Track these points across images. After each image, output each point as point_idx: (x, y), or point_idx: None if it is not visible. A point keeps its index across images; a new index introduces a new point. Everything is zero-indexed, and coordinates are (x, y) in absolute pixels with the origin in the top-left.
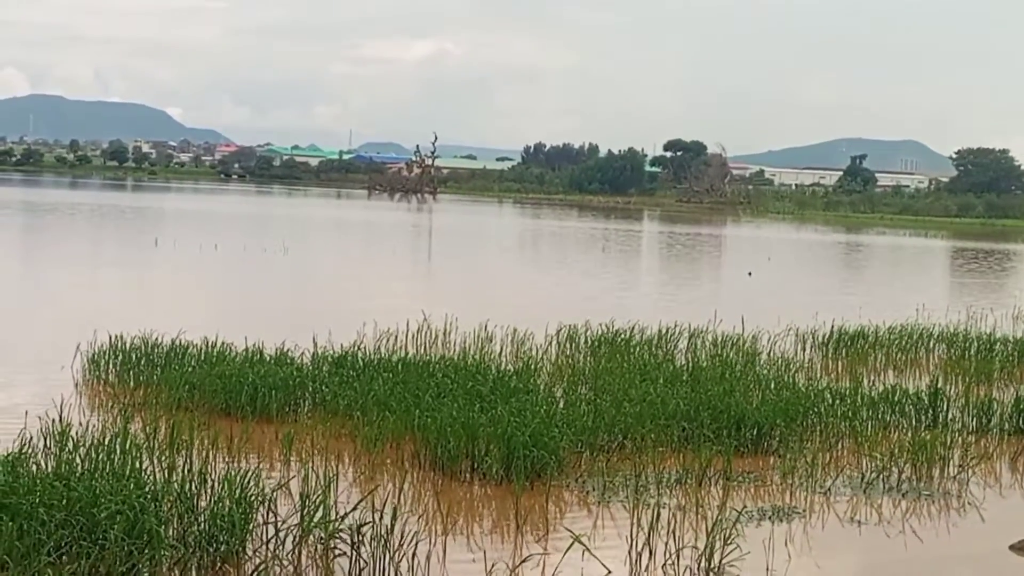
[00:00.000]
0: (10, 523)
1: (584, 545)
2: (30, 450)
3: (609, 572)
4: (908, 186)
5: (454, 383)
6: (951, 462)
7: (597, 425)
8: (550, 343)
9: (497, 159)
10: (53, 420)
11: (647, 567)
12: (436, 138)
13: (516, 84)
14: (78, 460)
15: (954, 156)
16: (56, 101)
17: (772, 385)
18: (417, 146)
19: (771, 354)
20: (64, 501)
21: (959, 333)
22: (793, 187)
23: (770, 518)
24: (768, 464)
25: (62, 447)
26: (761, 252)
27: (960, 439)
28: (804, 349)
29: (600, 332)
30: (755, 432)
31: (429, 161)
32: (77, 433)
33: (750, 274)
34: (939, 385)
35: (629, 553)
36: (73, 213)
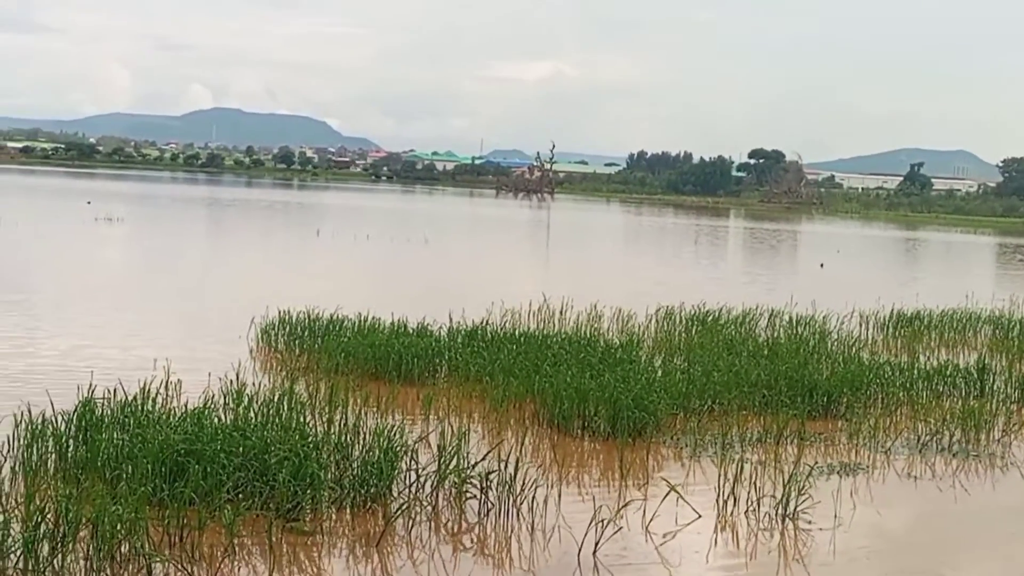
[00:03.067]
0: (196, 466)
1: (678, 493)
2: (212, 405)
3: (699, 516)
4: (960, 190)
5: (568, 354)
6: (996, 427)
7: (690, 391)
8: (650, 321)
9: (605, 164)
10: (231, 380)
11: (732, 513)
12: (554, 146)
13: (622, 98)
14: (252, 414)
15: (1001, 164)
16: (235, 113)
17: (840, 359)
18: (538, 153)
19: (839, 333)
20: (241, 448)
21: (1004, 316)
22: (859, 190)
23: (838, 472)
24: (836, 427)
25: (238, 403)
26: (831, 246)
27: (1004, 408)
28: (867, 328)
29: (693, 312)
30: (825, 399)
31: (548, 165)
32: (251, 392)
33: (822, 265)
34: (986, 361)
35: (716, 500)
36: (248, 208)
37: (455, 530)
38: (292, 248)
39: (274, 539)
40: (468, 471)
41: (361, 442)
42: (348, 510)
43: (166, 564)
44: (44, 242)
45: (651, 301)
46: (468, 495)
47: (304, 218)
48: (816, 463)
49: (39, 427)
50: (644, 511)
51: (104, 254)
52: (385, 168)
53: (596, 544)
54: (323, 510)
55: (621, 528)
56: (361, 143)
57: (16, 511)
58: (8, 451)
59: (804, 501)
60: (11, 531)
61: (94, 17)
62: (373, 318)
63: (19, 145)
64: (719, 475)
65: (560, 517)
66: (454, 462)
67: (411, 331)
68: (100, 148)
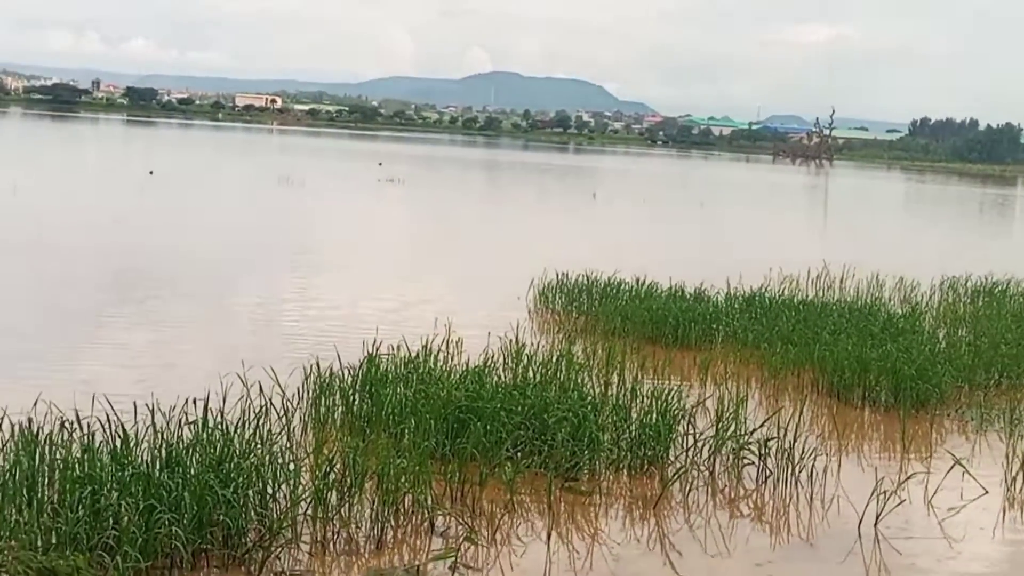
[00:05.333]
0: (477, 423)
1: (964, 467)
2: (492, 364)
3: (986, 492)
4: None
5: (848, 322)
6: None
7: (976, 364)
8: (933, 291)
9: (886, 131)
10: (511, 340)
11: (1021, 490)
12: (833, 111)
13: (905, 63)
14: (531, 374)
15: None
16: (513, 77)
17: None
18: (816, 118)
19: None
20: (520, 407)
21: None
22: None
23: None
24: None
25: (518, 363)
26: None
27: None
28: None
29: (979, 283)
30: None
31: (827, 132)
32: (530, 352)
33: None
34: None
35: (1004, 477)
36: (525, 171)
37: (732, 496)
38: (568, 211)
39: (552, 498)
40: (746, 437)
41: (638, 405)
42: (625, 472)
43: (447, 517)
44: (330, 202)
45: (934, 271)
46: (745, 461)
47: (580, 182)
48: None
49: (327, 381)
50: (927, 484)
51: (386, 215)
52: (661, 133)
53: (877, 516)
54: (600, 471)
55: (903, 501)
56: (637, 107)
57: (306, 461)
58: (298, 403)
59: None
60: (302, 480)
61: None
62: (650, 282)
63: (305, 108)
64: (1007, 451)
65: (839, 487)
66: (732, 428)
67: (688, 296)
68: (382, 111)
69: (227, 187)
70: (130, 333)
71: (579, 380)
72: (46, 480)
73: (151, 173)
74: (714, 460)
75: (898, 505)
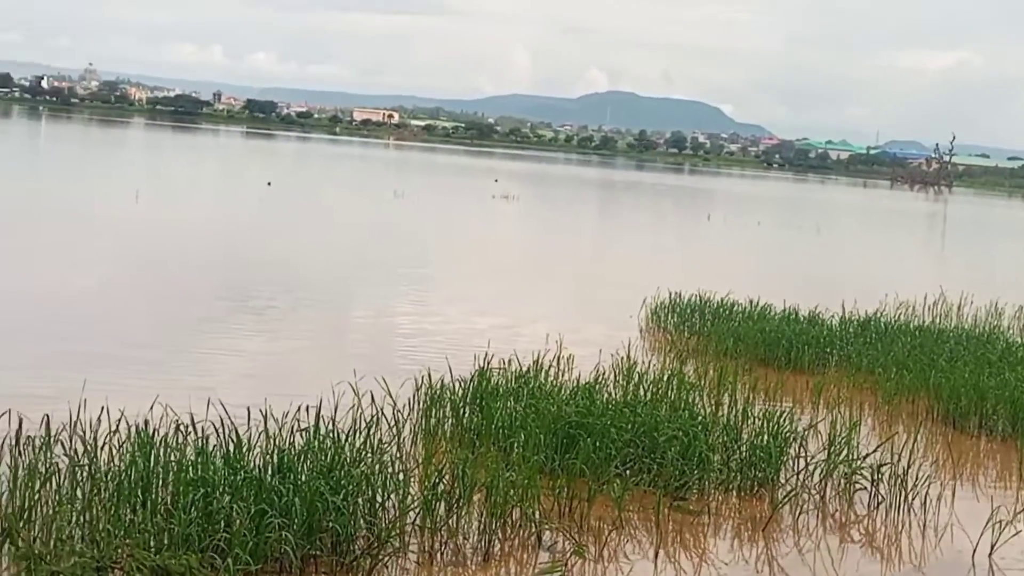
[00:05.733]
0: (587, 439)
1: None
2: (603, 381)
3: None
4: None
5: (965, 350)
6: None
7: None
8: None
9: (1008, 158)
10: (622, 358)
11: None
12: (954, 137)
13: None
14: (641, 392)
15: None
16: (629, 96)
17: None
18: (936, 144)
19: None
20: (630, 425)
21: None
22: None
23: None
24: None
25: (628, 380)
26: None
27: None
28: None
29: None
30: None
31: (946, 158)
32: (640, 370)
33: None
34: None
35: None
36: (639, 191)
37: (843, 521)
38: (682, 232)
39: (661, 516)
40: (859, 462)
41: (749, 426)
42: (734, 493)
43: (555, 532)
44: (444, 218)
45: None
46: (857, 487)
47: (694, 202)
48: None
49: (438, 392)
50: None
51: (500, 231)
52: (777, 156)
53: (992, 546)
54: (710, 491)
55: (1019, 532)
56: (754, 130)
57: (415, 471)
58: (408, 414)
59: None
60: (411, 490)
61: (501, 1)
62: (764, 304)
63: (422, 123)
64: None
65: (953, 516)
66: (844, 452)
67: (802, 319)
68: (498, 128)
69: (343, 200)
70: (246, 341)
71: (690, 399)
72: (160, 481)
73: (269, 184)
74: (825, 484)
75: (1014, 536)
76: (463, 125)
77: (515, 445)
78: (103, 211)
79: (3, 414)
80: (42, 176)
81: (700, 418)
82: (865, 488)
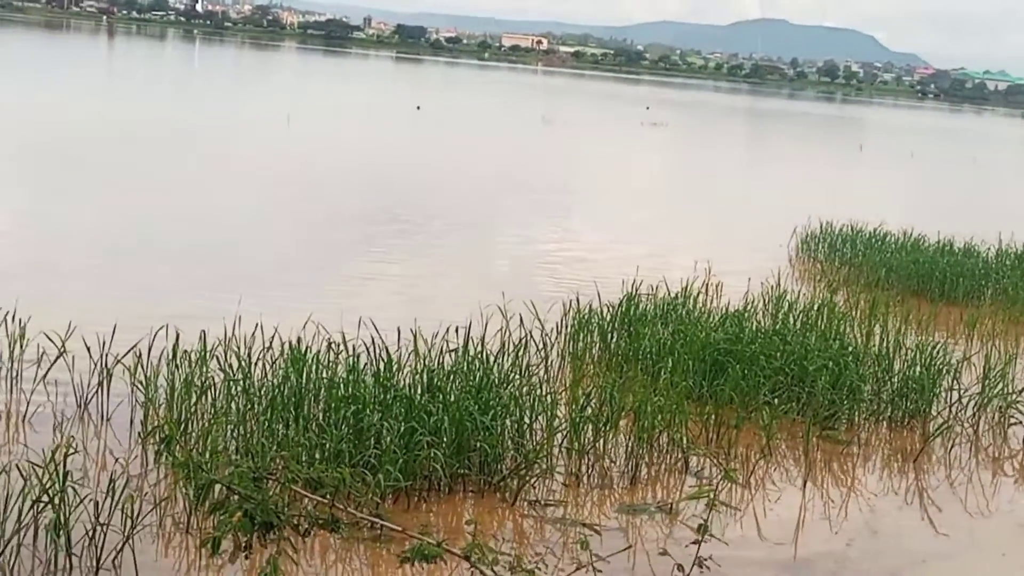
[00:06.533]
0: (735, 366)
1: None
2: (752, 309)
3: None
4: None
5: None
6: None
7: None
8: None
9: None
10: (772, 287)
11: None
12: None
13: None
14: (791, 320)
15: None
16: (781, 24)
17: None
18: None
19: None
20: (779, 353)
21: None
22: None
23: None
24: None
25: (778, 309)
26: None
27: None
28: None
29: None
30: None
31: None
32: (790, 299)
33: None
34: None
35: None
36: (789, 119)
37: (996, 455)
38: (833, 161)
39: (809, 445)
40: (1014, 396)
41: (901, 357)
42: (885, 424)
43: (702, 458)
44: (593, 144)
45: None
46: (1012, 421)
47: (846, 132)
48: None
49: (585, 317)
50: None
51: (649, 159)
52: (932, 86)
53: None
54: (860, 422)
55: None
56: (908, 59)
57: (563, 394)
58: (556, 338)
59: None
60: (558, 412)
61: None
62: (917, 234)
63: (570, 50)
64: None
65: None
66: (999, 386)
67: (956, 250)
68: (647, 55)
69: (492, 125)
70: (395, 263)
71: (840, 329)
72: (312, 398)
73: (418, 109)
74: (978, 418)
75: None
76: (611, 52)
77: (663, 370)
78: (255, 135)
79: (161, 328)
80: (196, 100)
81: (851, 348)
82: (1020, 423)
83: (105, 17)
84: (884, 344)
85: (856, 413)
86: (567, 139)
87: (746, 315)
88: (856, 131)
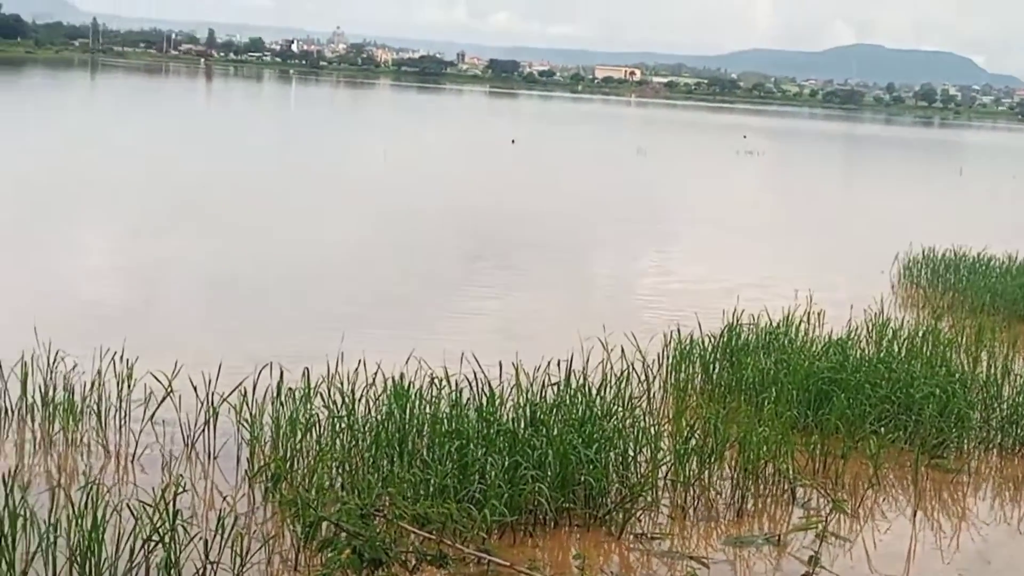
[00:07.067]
0: (840, 395)
1: None
2: (855, 337)
3: None
4: None
5: None
6: None
7: None
8: None
9: None
10: (875, 314)
11: None
12: None
13: None
14: (895, 348)
15: None
16: (876, 49)
17: None
18: None
19: None
20: (884, 381)
21: None
22: None
23: None
24: None
25: (881, 336)
26: None
27: None
28: None
29: None
30: None
31: None
32: (894, 326)
33: None
34: None
35: None
36: (886, 144)
37: None
38: (933, 185)
39: (918, 474)
40: None
41: (1010, 384)
42: (995, 451)
43: (808, 489)
44: (688, 174)
45: None
46: None
47: (945, 156)
48: None
49: (687, 348)
50: None
51: (744, 187)
52: None
53: None
54: (969, 450)
55: None
56: (1008, 81)
57: (666, 426)
58: (657, 369)
59: None
60: (662, 444)
61: None
62: (1023, 259)
63: (664, 80)
64: None
65: None
66: None
67: None
68: (740, 83)
69: (587, 157)
70: (494, 297)
71: (946, 356)
72: (416, 433)
73: (513, 142)
74: None
75: None
76: (705, 81)
77: (766, 400)
78: (353, 172)
79: (265, 367)
80: (292, 140)
81: (957, 375)
82: None
83: (203, 60)
84: (992, 370)
85: (965, 441)
86: (663, 169)
87: (849, 343)
88: (955, 155)
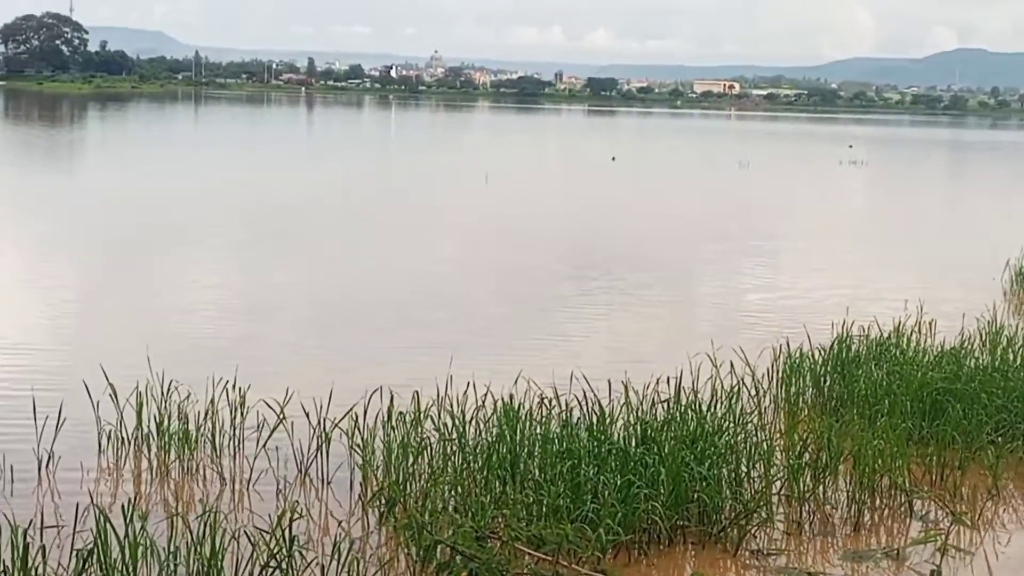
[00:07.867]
0: (955, 405)
1: None
2: (969, 346)
3: None
4: None
5: None
6: None
7: None
8: None
9: None
10: (987, 322)
11: None
12: None
13: None
14: (1010, 356)
15: None
16: (979, 53)
17: None
18: None
19: None
20: (1001, 390)
21: None
22: None
23: None
24: None
25: (995, 345)
26: None
27: None
28: None
29: None
30: None
31: None
32: (1008, 334)
33: None
34: None
35: None
36: (993, 150)
37: None
38: None
39: None
40: None
41: None
42: None
43: (926, 502)
44: (791, 186)
45: None
46: None
47: None
48: None
49: (796, 362)
50: None
51: (849, 198)
52: None
53: None
54: None
55: None
56: None
57: (778, 441)
58: (768, 384)
59: None
60: (775, 459)
61: None
62: None
63: (763, 92)
64: None
65: None
66: None
67: None
68: (841, 93)
69: (688, 173)
70: (601, 316)
71: None
72: (527, 454)
73: (613, 160)
74: None
75: None
76: (805, 92)
77: (880, 413)
78: (456, 195)
79: (375, 391)
80: (394, 165)
81: None
82: None
83: (303, 88)
84: None
85: None
86: (766, 183)
87: (963, 352)
88: None
